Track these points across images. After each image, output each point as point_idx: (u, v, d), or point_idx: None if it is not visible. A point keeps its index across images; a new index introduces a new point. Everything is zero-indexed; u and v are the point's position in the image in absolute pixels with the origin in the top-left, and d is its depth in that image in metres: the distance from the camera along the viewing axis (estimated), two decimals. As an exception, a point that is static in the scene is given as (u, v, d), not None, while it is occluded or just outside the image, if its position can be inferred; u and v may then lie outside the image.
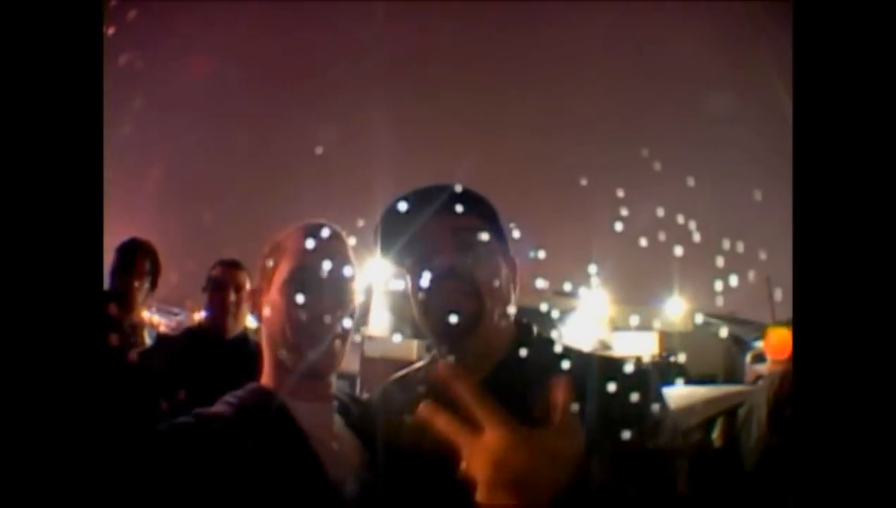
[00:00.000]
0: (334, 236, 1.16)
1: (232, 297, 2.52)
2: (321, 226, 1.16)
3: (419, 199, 1.16)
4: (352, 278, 1.14)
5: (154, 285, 2.76)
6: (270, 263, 1.15)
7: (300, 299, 1.08)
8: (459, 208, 1.16)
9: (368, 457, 1.11)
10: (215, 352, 2.42)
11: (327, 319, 1.08)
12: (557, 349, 1.17)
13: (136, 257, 2.70)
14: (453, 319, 1.10)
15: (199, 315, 2.64)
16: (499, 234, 1.19)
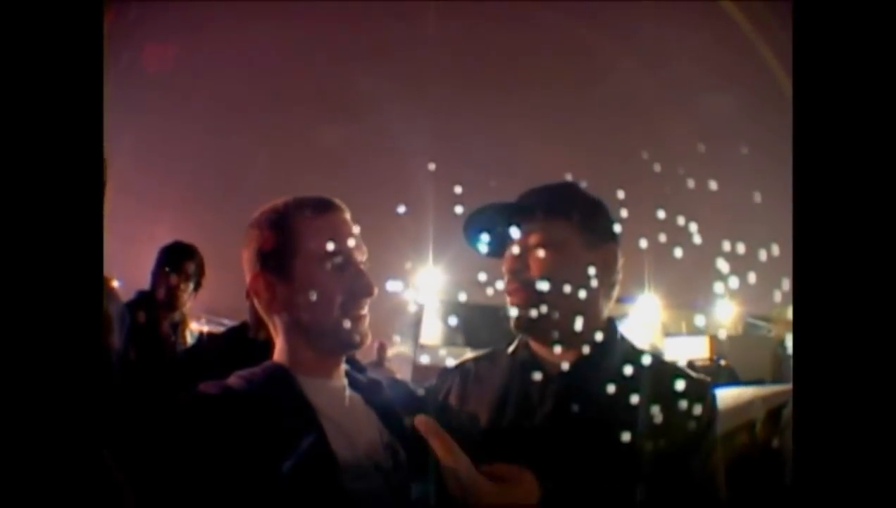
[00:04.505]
0: (343, 209, 1.11)
1: None
2: (331, 202, 1.11)
3: (503, 203, 1.23)
4: (365, 253, 1.11)
5: (198, 285, 2.82)
6: (282, 244, 1.07)
7: (337, 282, 1.06)
8: (531, 207, 1.21)
9: (392, 437, 1.10)
10: (259, 349, 2.35)
11: (369, 297, 1.08)
12: (635, 354, 1.20)
13: (179, 257, 2.80)
14: (513, 314, 1.20)
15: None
16: (582, 228, 1.20)
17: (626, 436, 1.07)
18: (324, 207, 1.09)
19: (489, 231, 1.25)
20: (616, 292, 1.26)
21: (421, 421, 0.91)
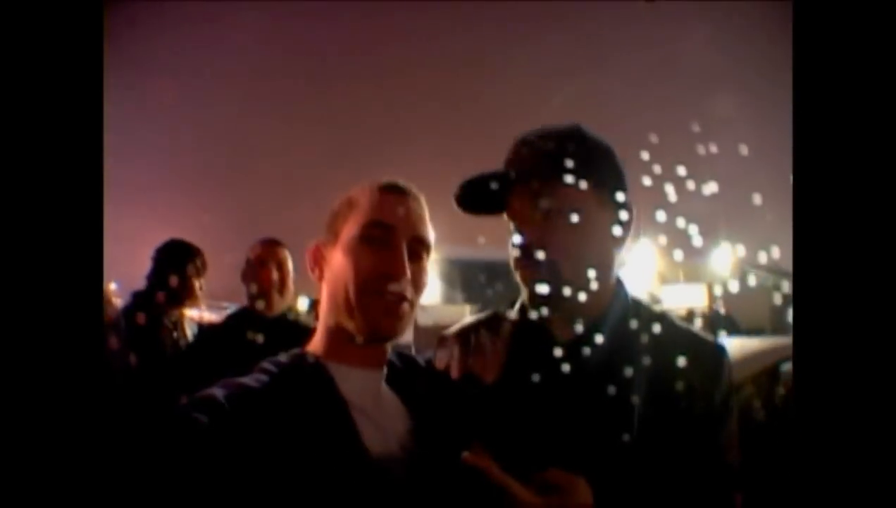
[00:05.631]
0: (412, 195, 1.06)
1: (274, 275, 2.45)
2: (398, 183, 1.06)
3: (511, 162, 1.12)
4: (428, 242, 1.05)
5: (194, 282, 2.71)
6: (339, 217, 1.04)
7: (368, 255, 0.99)
8: (543, 169, 1.09)
9: (413, 421, 1.03)
10: (258, 331, 2.18)
11: (397, 280, 0.98)
12: (648, 317, 1.12)
13: (175, 256, 2.68)
14: (538, 289, 1.07)
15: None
16: (596, 186, 1.09)
17: (644, 406, 1.02)
18: (388, 187, 1.05)
19: (489, 196, 1.12)
20: (627, 247, 1.14)
21: (469, 457, 0.87)
